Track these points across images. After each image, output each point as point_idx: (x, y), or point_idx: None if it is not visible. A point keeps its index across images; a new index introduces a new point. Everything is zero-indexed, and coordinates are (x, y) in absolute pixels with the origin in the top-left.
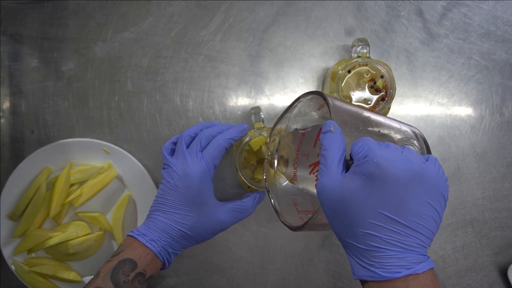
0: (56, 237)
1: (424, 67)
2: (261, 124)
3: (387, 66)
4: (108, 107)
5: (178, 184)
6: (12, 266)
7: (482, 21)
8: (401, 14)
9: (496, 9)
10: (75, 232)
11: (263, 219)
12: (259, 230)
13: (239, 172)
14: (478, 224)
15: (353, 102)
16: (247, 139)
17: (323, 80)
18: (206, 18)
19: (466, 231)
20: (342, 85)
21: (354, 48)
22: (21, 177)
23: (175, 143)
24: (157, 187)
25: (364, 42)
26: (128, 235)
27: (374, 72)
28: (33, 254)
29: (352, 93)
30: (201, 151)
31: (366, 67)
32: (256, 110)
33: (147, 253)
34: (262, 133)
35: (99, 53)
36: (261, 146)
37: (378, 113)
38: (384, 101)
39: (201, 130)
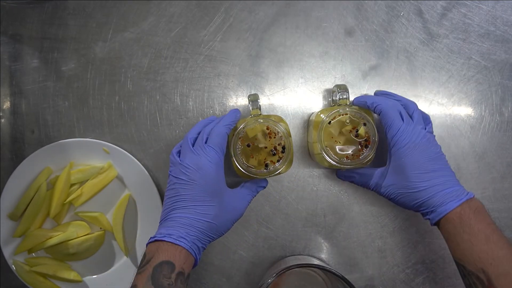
0: (56, 237)
1: (424, 67)
2: (257, 112)
3: (369, 112)
4: (108, 107)
5: (193, 177)
6: (13, 266)
7: (482, 21)
8: (401, 14)
9: (496, 9)
10: (75, 232)
11: (263, 219)
12: (259, 230)
13: (234, 159)
14: None
15: (337, 151)
16: (242, 125)
17: (307, 125)
18: (206, 18)
19: None
20: (324, 135)
21: (334, 94)
22: (21, 177)
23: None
24: (157, 187)
25: (343, 89)
26: (149, 242)
27: (355, 119)
28: (33, 254)
29: (335, 142)
30: (206, 143)
31: (347, 116)
32: (254, 97)
33: (180, 251)
34: (259, 120)
35: (99, 53)
36: (256, 134)
37: (362, 161)
38: (368, 148)
39: (204, 127)
